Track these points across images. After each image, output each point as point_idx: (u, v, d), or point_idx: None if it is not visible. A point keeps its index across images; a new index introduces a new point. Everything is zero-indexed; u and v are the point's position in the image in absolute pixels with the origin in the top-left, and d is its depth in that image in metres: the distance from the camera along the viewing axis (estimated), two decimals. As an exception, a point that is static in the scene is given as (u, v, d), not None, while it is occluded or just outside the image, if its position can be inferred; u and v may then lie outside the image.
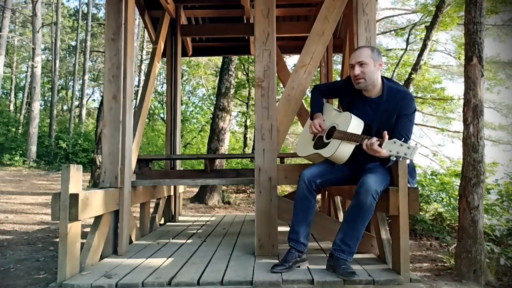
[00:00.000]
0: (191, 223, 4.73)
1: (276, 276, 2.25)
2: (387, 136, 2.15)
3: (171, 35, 5.01)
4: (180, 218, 5.18)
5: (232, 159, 11.66)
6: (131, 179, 3.15)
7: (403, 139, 2.15)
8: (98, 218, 2.71)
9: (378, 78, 2.44)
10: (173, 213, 4.94)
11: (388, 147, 2.11)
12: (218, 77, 9.92)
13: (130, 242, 3.33)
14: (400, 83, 2.77)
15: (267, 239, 2.81)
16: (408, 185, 2.28)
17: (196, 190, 8.89)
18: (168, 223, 4.76)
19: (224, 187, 8.74)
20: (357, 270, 2.26)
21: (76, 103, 22.41)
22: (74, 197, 2.31)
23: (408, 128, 2.36)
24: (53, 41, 20.47)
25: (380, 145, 2.15)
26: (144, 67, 19.44)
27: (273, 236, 2.82)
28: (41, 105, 21.42)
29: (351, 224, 2.26)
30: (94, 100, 27.56)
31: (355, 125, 2.39)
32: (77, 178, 2.37)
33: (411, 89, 9.63)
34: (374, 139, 2.18)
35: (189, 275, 2.32)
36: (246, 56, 12.74)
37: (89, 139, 17.10)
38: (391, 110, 2.37)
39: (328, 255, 2.40)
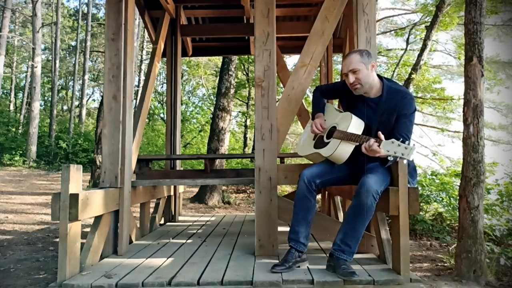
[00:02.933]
0: (191, 223, 4.73)
1: (276, 276, 2.25)
2: (382, 136, 2.16)
3: (171, 35, 5.01)
4: (180, 218, 5.17)
5: (232, 159, 11.66)
6: (131, 179, 3.15)
7: (402, 139, 2.15)
8: (98, 218, 2.71)
9: (374, 79, 2.44)
10: (173, 213, 4.94)
11: (386, 147, 2.12)
12: (218, 77, 9.93)
13: (130, 242, 3.33)
14: (400, 83, 2.77)
15: (267, 239, 2.81)
16: (409, 185, 2.28)
17: (196, 190, 8.89)
18: (168, 223, 4.76)
19: (224, 187, 8.74)
20: (357, 270, 2.26)
21: (76, 103, 22.41)
22: (74, 197, 2.31)
23: (408, 128, 2.36)
24: (53, 41, 20.48)
25: (379, 145, 2.15)
26: (144, 67, 19.43)
27: (273, 236, 2.82)
28: (41, 105, 21.43)
29: (351, 224, 2.26)
30: (94, 100, 27.59)
31: (356, 125, 2.40)
32: (77, 178, 2.36)
33: (411, 89, 9.63)
34: (372, 140, 2.19)
35: (189, 275, 2.32)
36: (246, 56, 12.74)
37: (89, 139, 17.09)
38: (391, 110, 2.37)
39: (328, 255, 2.40)
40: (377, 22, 12.47)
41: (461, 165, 3.16)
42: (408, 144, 2.12)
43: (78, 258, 2.42)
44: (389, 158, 2.12)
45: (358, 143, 2.31)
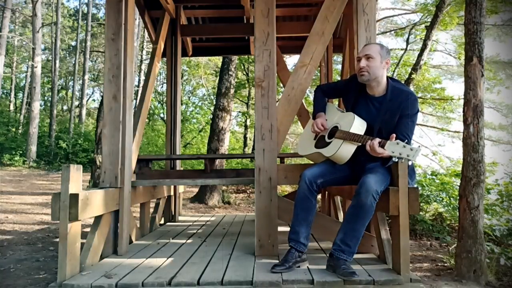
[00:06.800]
0: (191, 223, 4.73)
1: (276, 276, 2.25)
2: (394, 138, 2.16)
3: (171, 35, 5.01)
4: (180, 218, 5.18)
5: (232, 159, 11.66)
6: (131, 179, 3.15)
7: (406, 140, 2.16)
8: (98, 218, 2.71)
9: (383, 76, 2.44)
10: (173, 213, 4.94)
11: (391, 148, 2.12)
12: (218, 77, 9.92)
13: (130, 242, 3.33)
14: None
15: (267, 239, 2.81)
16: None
17: (196, 190, 8.89)
18: (168, 223, 4.76)
19: (224, 187, 8.74)
20: (357, 270, 2.26)
21: (76, 103, 22.40)
22: (74, 197, 2.31)
23: (410, 128, 2.36)
24: (53, 41, 20.46)
25: (382, 146, 2.16)
26: (144, 67, 19.43)
27: (273, 236, 2.82)
28: (41, 105, 21.40)
29: (351, 224, 2.26)
30: (94, 100, 27.58)
31: (358, 125, 2.39)
32: (77, 178, 2.36)
33: (411, 89, 9.62)
34: (377, 139, 2.19)
35: (189, 275, 2.32)
36: (246, 56, 12.73)
37: (89, 139, 17.09)
38: (394, 110, 2.38)
39: (328, 255, 2.40)
40: (377, 22, 12.47)
41: (461, 165, 3.16)
42: (411, 145, 2.12)
43: (78, 258, 2.42)
44: (393, 159, 2.13)
45: (360, 144, 2.31)
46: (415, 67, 8.67)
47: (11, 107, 22.38)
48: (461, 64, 8.97)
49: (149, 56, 16.89)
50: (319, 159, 2.58)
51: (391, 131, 2.29)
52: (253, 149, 4.45)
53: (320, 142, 2.58)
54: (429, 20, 9.72)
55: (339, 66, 12.71)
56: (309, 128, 2.72)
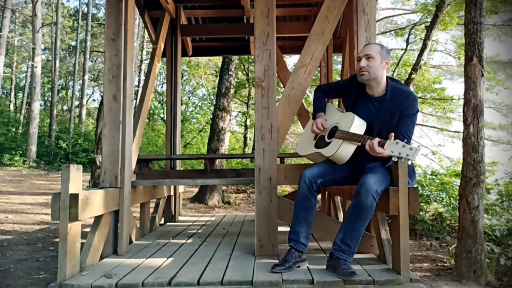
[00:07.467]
0: (191, 223, 4.73)
1: (276, 276, 2.25)
2: (393, 137, 2.16)
3: (171, 35, 5.01)
4: (180, 218, 5.18)
5: (232, 159, 11.66)
6: (131, 179, 3.15)
7: (406, 140, 2.16)
8: (98, 218, 2.72)
9: (383, 76, 2.44)
10: (173, 213, 4.94)
11: (391, 148, 2.12)
12: (218, 77, 9.93)
13: (130, 242, 3.33)
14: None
15: (267, 239, 2.81)
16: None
17: (196, 190, 8.89)
18: (168, 223, 4.76)
19: (224, 187, 8.75)
20: (357, 270, 2.26)
21: (76, 103, 22.40)
22: (74, 197, 2.31)
23: (410, 128, 2.36)
24: (53, 41, 20.46)
25: (382, 146, 2.16)
26: (144, 67, 19.42)
27: (273, 236, 2.82)
28: (41, 105, 21.40)
29: (351, 224, 2.26)
30: (94, 100, 27.58)
31: (358, 125, 2.39)
32: (77, 178, 2.36)
33: (411, 89, 9.62)
34: (377, 139, 2.19)
35: (189, 275, 2.32)
36: (246, 56, 12.73)
37: (89, 139, 17.09)
38: (393, 110, 2.38)
39: (328, 255, 2.40)
40: (377, 22, 12.46)
41: (461, 165, 3.16)
42: (410, 144, 2.12)
43: (78, 258, 2.42)
44: (393, 158, 2.13)
45: (360, 143, 2.31)
46: (415, 67, 8.66)
47: (11, 107, 22.38)
48: (461, 64, 8.97)
49: (149, 56, 16.89)
50: (318, 159, 2.58)
51: (391, 131, 2.29)
52: (253, 149, 4.45)
53: (320, 142, 2.58)
54: (429, 20, 9.71)
55: (339, 66, 12.70)
56: (309, 128, 2.72)
